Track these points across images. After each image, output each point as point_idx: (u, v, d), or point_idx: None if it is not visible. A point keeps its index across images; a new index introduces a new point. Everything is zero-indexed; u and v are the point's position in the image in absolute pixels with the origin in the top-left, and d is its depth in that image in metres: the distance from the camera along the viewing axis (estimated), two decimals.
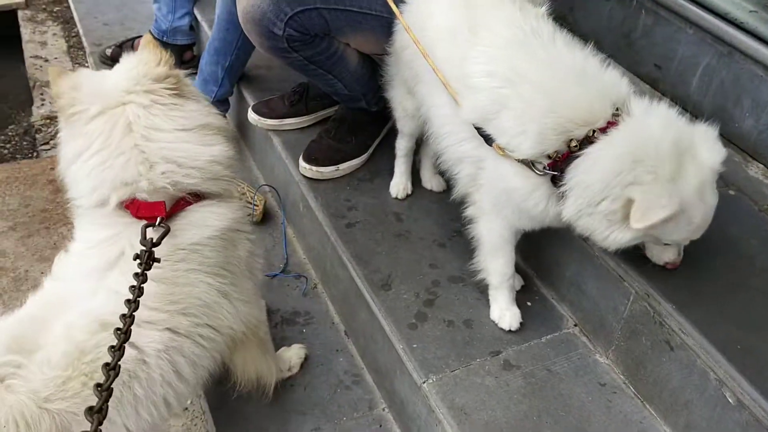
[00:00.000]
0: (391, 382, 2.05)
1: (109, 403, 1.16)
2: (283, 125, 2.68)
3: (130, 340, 1.29)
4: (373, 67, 2.40)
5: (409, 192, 2.45)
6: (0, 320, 1.42)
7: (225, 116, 2.98)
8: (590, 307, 1.99)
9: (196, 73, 3.53)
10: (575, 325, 2.05)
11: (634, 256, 1.80)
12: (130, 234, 1.47)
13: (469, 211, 1.94)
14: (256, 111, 2.69)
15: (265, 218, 2.73)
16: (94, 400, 1.16)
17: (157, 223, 1.47)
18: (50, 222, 2.90)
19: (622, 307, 1.86)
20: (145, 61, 1.55)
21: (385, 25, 2.10)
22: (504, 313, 2.01)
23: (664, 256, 1.75)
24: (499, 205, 1.83)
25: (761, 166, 2.21)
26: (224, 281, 1.56)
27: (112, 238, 1.49)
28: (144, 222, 1.46)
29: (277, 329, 2.30)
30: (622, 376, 1.91)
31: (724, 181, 2.13)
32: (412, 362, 1.90)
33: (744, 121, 2.23)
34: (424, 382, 1.86)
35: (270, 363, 1.92)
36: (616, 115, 1.59)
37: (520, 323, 2.01)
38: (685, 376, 1.70)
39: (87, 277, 1.47)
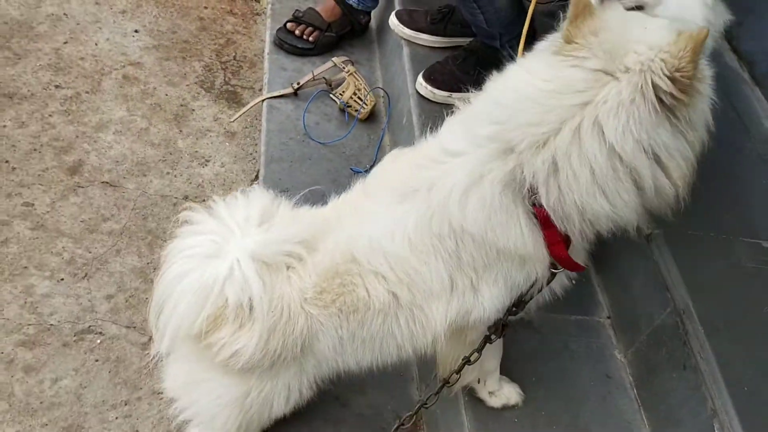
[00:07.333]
0: None
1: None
2: (417, 38, 2.76)
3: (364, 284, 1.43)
4: (518, 13, 2.42)
5: None
6: (310, 211, 1.55)
7: (369, 13, 3.08)
8: (629, 306, 2.04)
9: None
10: (608, 317, 2.11)
11: (687, 266, 1.85)
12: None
13: None
14: (397, 17, 2.78)
15: (370, 118, 2.85)
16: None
17: None
18: (187, 54, 3.14)
19: (656, 316, 1.90)
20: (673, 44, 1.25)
21: None
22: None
23: None
24: None
25: None
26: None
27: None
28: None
29: None
30: (631, 377, 1.97)
31: None
32: None
33: None
34: None
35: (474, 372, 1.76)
36: None
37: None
38: (686, 397, 1.75)
39: (387, 199, 1.48)
